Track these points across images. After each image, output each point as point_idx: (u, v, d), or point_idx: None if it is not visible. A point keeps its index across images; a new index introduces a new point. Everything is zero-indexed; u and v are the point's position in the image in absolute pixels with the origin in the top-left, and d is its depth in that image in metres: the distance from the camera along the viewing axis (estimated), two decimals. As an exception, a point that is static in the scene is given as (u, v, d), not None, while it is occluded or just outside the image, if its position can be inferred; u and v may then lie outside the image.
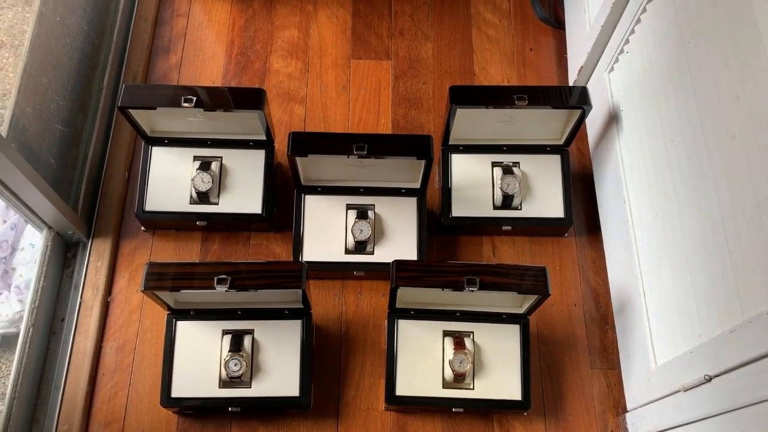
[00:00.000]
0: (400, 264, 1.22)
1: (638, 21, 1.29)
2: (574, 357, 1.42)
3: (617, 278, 1.41)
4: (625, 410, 1.35)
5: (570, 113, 1.42)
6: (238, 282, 1.17)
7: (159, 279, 1.18)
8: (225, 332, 1.32)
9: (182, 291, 1.21)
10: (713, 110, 1.02)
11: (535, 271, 1.21)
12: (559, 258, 1.51)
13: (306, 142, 1.31)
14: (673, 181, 1.16)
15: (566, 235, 1.52)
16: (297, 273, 1.19)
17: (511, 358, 1.33)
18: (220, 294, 1.22)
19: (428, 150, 1.30)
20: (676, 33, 1.14)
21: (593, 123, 1.55)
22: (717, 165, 1.01)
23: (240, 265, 1.21)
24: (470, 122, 1.44)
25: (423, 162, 1.34)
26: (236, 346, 1.29)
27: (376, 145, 1.30)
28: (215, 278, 1.17)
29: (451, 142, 1.48)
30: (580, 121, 1.40)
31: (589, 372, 1.41)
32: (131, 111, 1.34)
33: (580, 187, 1.58)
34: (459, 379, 1.31)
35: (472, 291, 1.19)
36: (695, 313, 1.08)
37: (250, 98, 1.33)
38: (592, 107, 1.36)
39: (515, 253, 1.51)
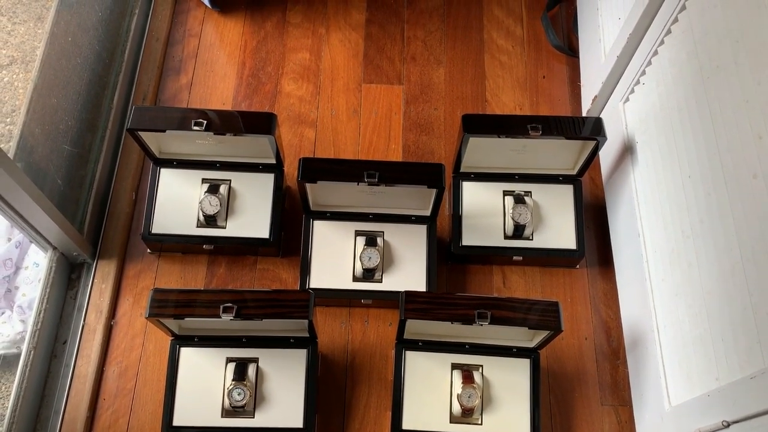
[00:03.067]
0: (409, 295, 1.19)
1: (655, 53, 1.27)
2: (584, 392, 1.39)
3: (630, 313, 1.39)
4: (636, 449, 1.32)
5: (584, 144, 1.40)
6: (244, 311, 1.15)
7: (164, 306, 1.16)
8: (229, 360, 1.30)
9: (187, 319, 1.18)
10: (734, 148, 1.00)
11: (547, 305, 1.19)
12: (570, 290, 1.48)
13: (317, 169, 1.29)
14: (690, 218, 1.13)
15: (578, 266, 1.50)
16: (304, 303, 1.17)
17: (520, 393, 1.30)
18: (225, 322, 1.19)
19: (440, 179, 1.28)
20: (695, 67, 1.12)
21: (607, 153, 1.53)
22: (737, 204, 0.99)
23: (246, 293, 1.19)
24: (482, 150, 1.42)
25: (434, 190, 1.32)
26: (240, 375, 1.27)
27: (387, 173, 1.28)
28: (221, 306, 1.15)
29: (462, 170, 1.46)
30: (594, 152, 1.38)
31: (599, 408, 1.37)
32: (140, 133, 1.33)
33: (593, 218, 1.55)
34: (467, 414, 1.28)
35: (482, 325, 1.16)
36: (712, 355, 1.05)
37: (261, 122, 1.32)
38: (606, 139, 1.34)
39: (526, 284, 1.48)
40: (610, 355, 1.42)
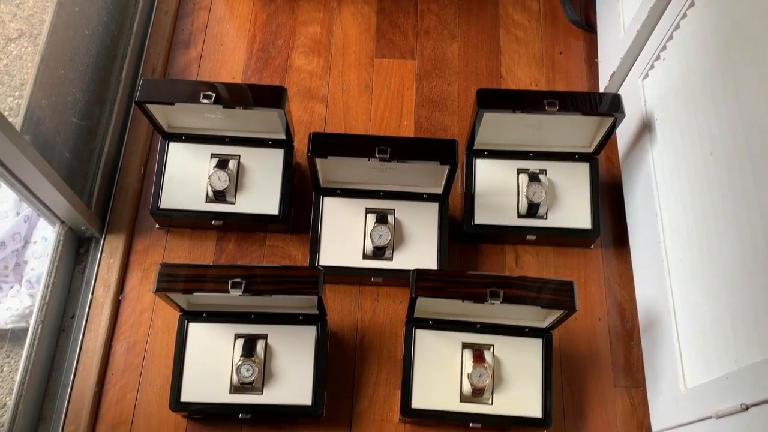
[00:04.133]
0: (420, 273, 1.17)
1: (677, 26, 1.23)
2: (597, 374, 1.37)
3: (645, 294, 1.36)
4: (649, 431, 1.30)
5: (601, 121, 1.36)
6: (253, 287, 1.14)
7: (172, 280, 1.15)
8: (237, 336, 1.28)
9: (195, 294, 1.17)
10: (759, 124, 0.97)
11: (561, 285, 1.16)
12: (584, 270, 1.45)
13: (327, 144, 1.27)
14: (712, 197, 1.10)
15: (592, 246, 1.47)
16: (314, 279, 1.15)
17: (532, 373, 1.28)
18: (233, 297, 1.18)
19: (453, 155, 1.25)
20: (720, 41, 1.08)
21: (624, 131, 1.49)
22: (762, 182, 0.96)
23: (255, 268, 1.17)
24: (497, 127, 1.39)
25: (447, 167, 1.29)
26: (249, 351, 1.26)
27: (398, 149, 1.25)
28: (230, 282, 1.13)
29: (475, 147, 1.44)
30: (612, 129, 1.35)
31: (612, 390, 1.35)
32: (148, 106, 1.30)
33: (608, 197, 1.52)
34: (477, 394, 1.26)
35: (494, 304, 1.14)
36: (732, 336, 1.02)
37: (271, 96, 1.29)
38: (624, 115, 1.30)
39: (539, 264, 1.46)
40: (624, 337, 1.39)
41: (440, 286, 1.16)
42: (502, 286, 1.15)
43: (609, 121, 1.33)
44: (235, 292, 1.13)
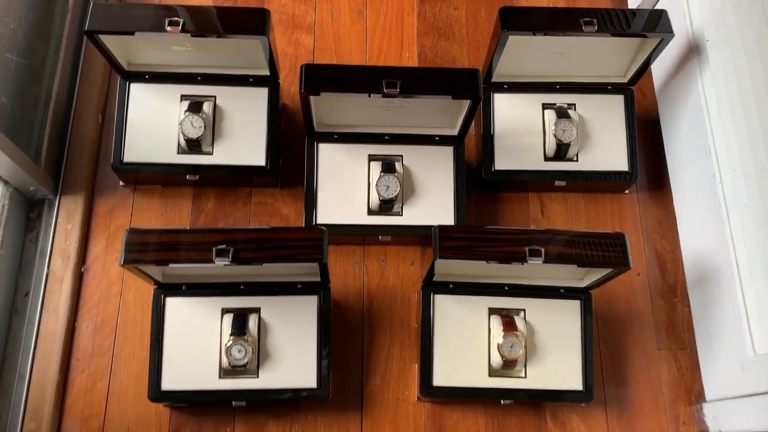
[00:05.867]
0: (444, 231, 0.98)
1: (741, -77, 1.03)
2: (638, 336, 1.21)
3: (694, 243, 1.19)
4: (701, 399, 1.15)
5: (641, 44, 1.17)
6: (242, 254, 0.94)
7: (142, 250, 0.95)
8: (225, 311, 1.09)
9: (172, 265, 0.97)
10: None
11: (610, 238, 0.99)
12: (618, 218, 1.28)
13: (323, 78, 1.06)
14: (793, 127, 0.92)
15: (626, 191, 1.29)
16: (317, 242, 0.96)
17: (569, 340, 1.12)
18: (218, 267, 0.98)
19: (476, 87, 1.05)
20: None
21: (662, 57, 1.29)
22: None
23: (243, 232, 0.97)
24: (519, 54, 1.19)
25: (466, 103, 1.09)
26: (240, 329, 1.07)
27: (410, 81, 1.04)
28: (214, 249, 0.93)
29: (494, 79, 1.23)
30: (653, 53, 1.15)
31: (656, 353, 1.20)
32: (102, 37, 1.09)
33: (641, 135, 1.33)
34: (509, 366, 1.09)
35: (536, 263, 0.96)
36: (825, 294, 0.86)
37: (251, 21, 1.08)
38: (674, 35, 1.11)
39: (568, 213, 1.28)
40: (666, 293, 1.23)
41: (469, 245, 0.98)
42: (541, 243, 0.97)
43: (651, 44, 1.15)
44: (221, 262, 0.93)
